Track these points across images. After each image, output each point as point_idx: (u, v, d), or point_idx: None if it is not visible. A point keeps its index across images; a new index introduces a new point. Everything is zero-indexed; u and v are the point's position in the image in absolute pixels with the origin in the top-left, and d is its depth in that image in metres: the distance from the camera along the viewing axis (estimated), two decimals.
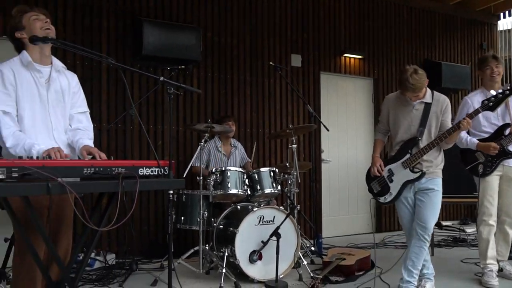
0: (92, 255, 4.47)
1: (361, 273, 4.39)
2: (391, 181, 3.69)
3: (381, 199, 3.76)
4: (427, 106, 3.61)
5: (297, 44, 6.48)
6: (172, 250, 4.58)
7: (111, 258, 4.59)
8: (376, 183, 3.77)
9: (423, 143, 3.58)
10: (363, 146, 7.06)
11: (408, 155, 3.61)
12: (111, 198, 2.23)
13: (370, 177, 3.83)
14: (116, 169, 2.22)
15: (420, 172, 3.57)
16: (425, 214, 3.54)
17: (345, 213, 6.88)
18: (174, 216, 4.48)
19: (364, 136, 7.13)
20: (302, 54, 6.50)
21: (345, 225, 6.81)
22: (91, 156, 2.49)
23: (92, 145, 2.65)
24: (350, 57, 6.95)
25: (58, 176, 1.87)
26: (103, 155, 2.48)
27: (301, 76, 6.50)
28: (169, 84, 2.51)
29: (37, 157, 2.08)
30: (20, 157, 1.98)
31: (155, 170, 2.42)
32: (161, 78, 2.53)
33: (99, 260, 4.47)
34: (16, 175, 1.85)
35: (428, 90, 3.64)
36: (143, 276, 4.31)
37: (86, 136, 2.71)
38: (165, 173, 2.44)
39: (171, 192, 3.20)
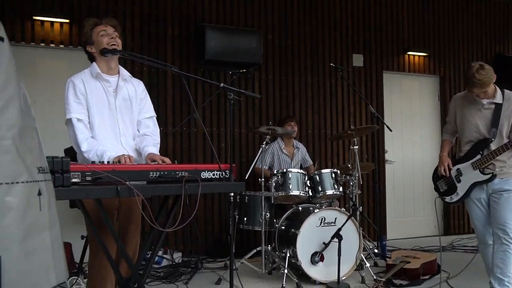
0: (160, 253, 4.67)
1: (426, 277, 4.28)
2: (459, 181, 3.58)
3: (447, 199, 3.67)
4: (498, 106, 3.46)
5: (358, 44, 6.41)
6: (234, 251, 4.76)
7: (177, 256, 4.78)
8: (443, 182, 3.69)
9: (494, 144, 3.44)
10: (429, 147, 6.85)
11: (478, 156, 3.48)
12: (175, 200, 2.34)
13: (437, 176, 3.75)
14: (180, 172, 2.33)
15: (491, 174, 3.43)
16: (503, 216, 3.36)
17: (410, 214, 6.71)
18: (237, 216, 4.59)
19: (430, 136, 6.92)
20: (363, 54, 6.42)
21: (410, 227, 6.64)
22: (155, 163, 2.60)
23: (157, 152, 2.76)
24: (414, 55, 6.78)
25: (126, 179, 1.99)
26: (167, 160, 2.58)
27: (363, 76, 6.42)
28: (229, 90, 2.59)
29: (108, 162, 2.23)
30: (93, 162, 2.14)
31: (216, 173, 2.51)
32: (221, 85, 2.62)
33: (166, 258, 4.66)
34: (90, 178, 2.01)
35: (498, 90, 3.49)
36: (207, 274, 4.45)
37: (152, 142, 2.81)
38: (226, 176, 2.53)
39: (232, 194, 3.27)
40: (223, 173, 2.54)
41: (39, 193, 1.22)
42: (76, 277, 3.86)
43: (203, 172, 2.45)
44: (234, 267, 4.42)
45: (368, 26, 6.49)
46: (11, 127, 1.13)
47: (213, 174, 2.50)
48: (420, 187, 6.70)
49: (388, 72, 6.62)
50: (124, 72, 2.80)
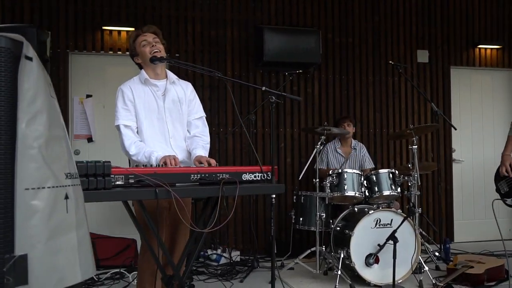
0: (219, 251, 4.82)
1: (492, 283, 4.07)
2: None
3: (508, 201, 3.48)
4: None
5: (423, 39, 6.19)
6: (291, 251, 4.81)
7: (235, 255, 4.90)
8: (504, 183, 3.50)
9: None
10: (502, 145, 6.44)
11: None
12: (216, 202, 2.42)
13: (498, 177, 3.56)
14: (221, 175, 2.41)
15: None
16: None
17: (481, 216, 6.36)
18: (293, 216, 4.63)
19: (503, 134, 6.48)
20: (429, 49, 6.18)
21: (480, 230, 6.29)
22: (202, 165, 2.69)
23: (206, 153, 2.85)
24: (485, 48, 6.42)
25: (165, 182, 2.11)
26: (213, 161, 2.67)
27: (428, 73, 6.19)
28: (270, 93, 2.63)
29: (151, 165, 2.36)
30: (137, 165, 2.27)
31: (258, 175, 2.56)
32: (263, 88, 2.67)
33: (225, 256, 4.80)
34: (132, 181, 2.15)
35: None
36: (263, 273, 4.52)
37: (201, 143, 2.91)
38: (267, 178, 2.58)
39: (274, 196, 3.32)
40: (265, 175, 2.59)
41: (66, 197, 1.34)
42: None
43: (245, 174, 2.52)
44: (282, 268, 4.51)
45: (434, 20, 6.24)
46: (38, 138, 1.25)
47: (255, 176, 2.56)
48: (492, 187, 6.32)
49: (456, 67, 6.33)
50: (171, 75, 2.91)
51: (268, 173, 2.58)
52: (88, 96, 5.26)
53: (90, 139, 5.24)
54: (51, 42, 5.02)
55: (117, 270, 4.40)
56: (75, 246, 1.36)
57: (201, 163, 2.65)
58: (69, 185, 1.37)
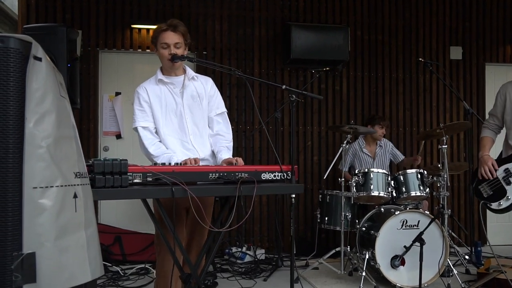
0: (244, 249, 4.82)
1: None
2: (509, 183, 3.21)
3: (494, 205, 3.30)
4: None
5: (457, 35, 6.00)
6: (316, 250, 4.76)
7: (260, 253, 4.88)
8: (486, 186, 3.33)
9: None
10: None
11: None
12: (235, 201, 2.41)
13: (477, 180, 3.40)
14: (239, 174, 2.40)
15: None
16: None
17: None
18: (318, 216, 4.59)
19: None
20: (463, 45, 6.00)
21: None
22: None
23: (230, 153, 2.83)
24: None
25: (181, 181, 2.11)
26: (240, 160, 2.64)
27: (461, 70, 6.01)
28: (290, 92, 2.60)
29: (170, 163, 2.37)
30: (155, 164, 2.29)
31: (277, 175, 2.54)
32: (283, 87, 2.64)
33: (249, 254, 4.80)
34: (150, 179, 2.16)
35: None
36: (287, 272, 4.47)
37: (224, 144, 2.86)
38: (287, 177, 2.55)
39: (293, 196, 3.28)
40: (285, 174, 2.56)
41: (75, 196, 1.36)
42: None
43: (264, 174, 2.50)
44: (306, 267, 4.47)
45: (469, 14, 6.04)
46: (46, 137, 1.27)
47: (274, 176, 2.54)
48: None
49: (491, 64, 6.11)
50: (190, 71, 2.87)
51: (288, 172, 2.55)
52: (117, 93, 5.35)
53: (118, 136, 5.33)
54: (82, 40, 5.12)
55: (143, 265, 4.46)
56: (84, 245, 1.37)
57: (230, 164, 2.63)
58: (78, 184, 1.38)
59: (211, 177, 2.34)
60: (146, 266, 4.46)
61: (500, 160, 3.32)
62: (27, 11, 5.14)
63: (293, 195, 3.18)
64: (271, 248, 5.25)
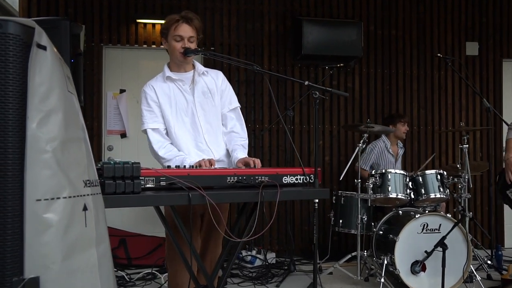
0: (254, 253, 4.63)
1: None
2: None
3: None
4: None
5: (473, 31, 5.79)
6: (329, 254, 4.57)
7: (271, 257, 4.69)
8: None
9: None
10: None
11: None
12: (254, 207, 2.22)
13: (505, 184, 3.19)
14: (260, 177, 2.21)
15: None
16: None
17: None
18: (332, 218, 4.39)
19: None
20: (479, 41, 5.79)
21: None
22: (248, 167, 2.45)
23: (245, 153, 2.63)
24: None
25: (199, 186, 1.92)
26: (258, 162, 2.44)
27: (478, 66, 5.80)
28: (314, 88, 2.40)
29: (184, 166, 2.17)
30: (169, 166, 2.09)
31: (299, 178, 2.35)
32: (306, 83, 2.44)
33: (260, 258, 4.61)
34: (164, 183, 1.96)
35: None
36: (300, 277, 4.30)
37: (240, 142, 2.66)
38: (310, 181, 2.36)
39: (317, 201, 3.08)
40: (307, 177, 2.37)
41: (85, 208, 1.16)
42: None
43: (285, 177, 2.31)
44: (320, 272, 4.28)
45: (486, 9, 5.82)
46: (52, 140, 1.08)
47: (296, 179, 2.35)
48: None
49: (509, 60, 5.90)
50: (199, 66, 2.66)
51: (311, 175, 2.36)
52: (122, 91, 5.15)
53: (123, 135, 5.14)
54: (85, 36, 4.92)
55: (149, 270, 4.27)
56: (95, 264, 1.18)
57: (246, 164, 2.43)
58: (88, 194, 1.19)
59: (229, 181, 2.15)
60: (152, 270, 4.27)
61: None
62: (28, 5, 4.95)
63: (316, 200, 2.98)
64: (282, 252, 5.06)
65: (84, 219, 1.15)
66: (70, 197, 1.11)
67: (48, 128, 1.07)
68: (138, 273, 4.24)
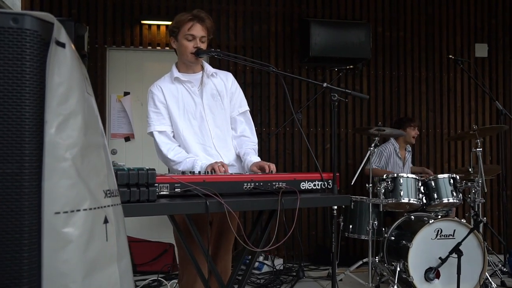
0: (261, 259, 4.53)
1: None
2: None
3: None
4: None
5: (482, 32, 5.72)
6: (339, 260, 4.46)
7: (278, 263, 4.59)
8: None
9: None
10: None
11: None
12: (271, 214, 2.12)
13: None
14: (277, 183, 2.12)
15: None
16: None
17: None
18: (341, 223, 4.29)
19: None
20: (488, 43, 5.71)
21: None
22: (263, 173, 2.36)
23: (257, 157, 2.54)
24: None
25: (216, 193, 1.82)
26: (273, 167, 2.34)
27: (487, 68, 5.72)
28: (333, 91, 2.31)
29: (199, 172, 2.08)
30: (183, 172, 2.00)
31: (318, 184, 2.26)
32: (325, 84, 2.34)
33: (267, 264, 4.51)
34: (179, 190, 1.87)
35: None
36: (309, 284, 4.21)
37: (251, 146, 2.57)
38: (328, 186, 2.26)
39: (336, 207, 2.98)
40: (325, 183, 2.27)
41: (106, 221, 1.06)
42: (177, 281, 3.84)
43: (303, 183, 2.21)
44: (337, 279, 4.18)
45: (495, 10, 5.75)
46: (71, 146, 0.98)
47: (314, 185, 2.25)
48: None
49: None
50: (208, 67, 2.57)
51: (329, 181, 2.27)
52: (126, 93, 5.06)
53: (127, 138, 5.04)
54: (89, 37, 4.83)
55: (155, 277, 4.17)
56: (117, 282, 1.08)
57: (261, 169, 2.33)
58: (109, 206, 1.09)
59: (245, 187, 2.05)
60: (158, 277, 4.17)
61: None
62: (31, 6, 4.85)
63: (335, 207, 2.88)
64: (289, 257, 4.96)
65: (105, 233, 1.05)
66: (90, 209, 1.01)
67: (68, 133, 0.97)
68: (144, 280, 4.14)
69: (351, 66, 4.78)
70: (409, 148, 4.99)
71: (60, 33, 0.99)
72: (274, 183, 2.11)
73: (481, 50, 5.67)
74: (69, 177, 0.97)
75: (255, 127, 5.06)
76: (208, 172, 2.15)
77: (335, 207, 2.98)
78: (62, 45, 0.99)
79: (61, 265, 0.95)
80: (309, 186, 2.23)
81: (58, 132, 0.96)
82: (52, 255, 0.94)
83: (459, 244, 3.45)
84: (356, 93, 2.45)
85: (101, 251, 1.04)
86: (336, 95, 2.29)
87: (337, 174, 2.30)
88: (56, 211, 0.95)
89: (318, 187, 2.25)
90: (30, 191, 0.92)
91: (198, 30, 2.42)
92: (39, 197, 0.93)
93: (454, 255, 3.45)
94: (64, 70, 0.99)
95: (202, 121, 2.49)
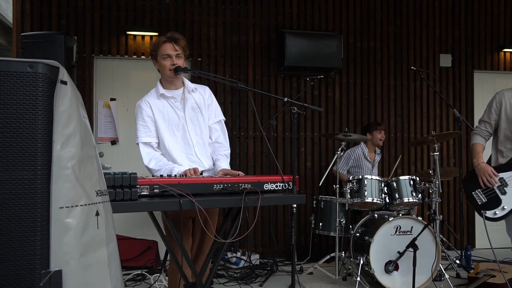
0: (239, 254, 4.87)
1: None
2: (504, 193, 3.27)
3: (489, 213, 3.35)
4: None
5: (446, 43, 6.13)
6: (310, 255, 4.83)
7: (255, 258, 4.94)
8: (481, 193, 3.35)
9: None
10: None
11: None
12: (238, 211, 2.47)
13: (472, 184, 3.40)
14: (243, 185, 2.46)
15: None
16: None
17: (503, 223, 6.26)
18: (313, 221, 4.66)
19: None
20: (452, 53, 6.13)
21: (504, 236, 6.19)
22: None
23: (227, 163, 2.90)
24: (510, 52, 6.33)
25: (189, 193, 2.16)
26: (240, 174, 2.71)
27: (451, 77, 6.14)
28: (293, 104, 2.67)
29: (175, 175, 2.43)
30: (161, 176, 2.34)
31: (279, 185, 2.61)
32: (285, 99, 2.71)
33: (244, 259, 4.85)
34: (157, 191, 2.21)
35: None
36: (282, 277, 4.56)
37: (223, 152, 2.94)
38: (289, 188, 2.62)
39: (295, 206, 3.35)
40: (286, 184, 2.63)
41: (97, 214, 1.41)
42: (159, 274, 4.17)
43: (266, 184, 2.56)
44: (301, 272, 4.55)
45: (458, 23, 6.17)
46: (71, 158, 1.32)
47: (276, 186, 2.60)
48: None
49: (480, 71, 6.26)
50: (188, 83, 2.93)
51: (289, 182, 2.62)
52: (112, 99, 5.36)
53: (113, 142, 5.34)
54: (77, 46, 5.13)
55: (139, 271, 4.49)
56: (105, 261, 1.42)
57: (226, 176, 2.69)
58: (99, 202, 1.43)
59: (215, 188, 2.40)
60: (142, 272, 4.49)
61: (495, 169, 3.38)
62: (21, 17, 5.14)
63: (294, 205, 3.24)
64: (265, 253, 5.32)
65: (96, 223, 1.39)
66: (85, 204, 1.35)
67: (69, 149, 1.31)
68: (128, 274, 4.45)
69: (322, 76, 5.15)
70: (378, 151, 5.36)
71: (64, 74, 1.33)
72: (240, 185, 2.45)
73: (445, 60, 6.09)
74: (70, 181, 1.31)
75: (234, 131, 5.43)
76: (182, 175, 2.50)
77: (295, 205, 3.32)
78: (65, 83, 1.33)
79: (63, 246, 1.29)
80: (272, 187, 2.57)
81: (62, 148, 1.30)
82: (57, 239, 1.28)
83: (415, 239, 3.81)
84: (313, 106, 2.82)
85: (93, 236, 1.39)
86: (295, 108, 2.64)
87: (297, 176, 2.65)
88: (60, 206, 1.29)
89: (279, 188, 2.60)
90: (42, 191, 1.26)
91: (172, 49, 2.79)
92: (48, 196, 1.27)
93: (411, 249, 3.82)
94: (66, 101, 1.33)
95: (184, 132, 2.87)
